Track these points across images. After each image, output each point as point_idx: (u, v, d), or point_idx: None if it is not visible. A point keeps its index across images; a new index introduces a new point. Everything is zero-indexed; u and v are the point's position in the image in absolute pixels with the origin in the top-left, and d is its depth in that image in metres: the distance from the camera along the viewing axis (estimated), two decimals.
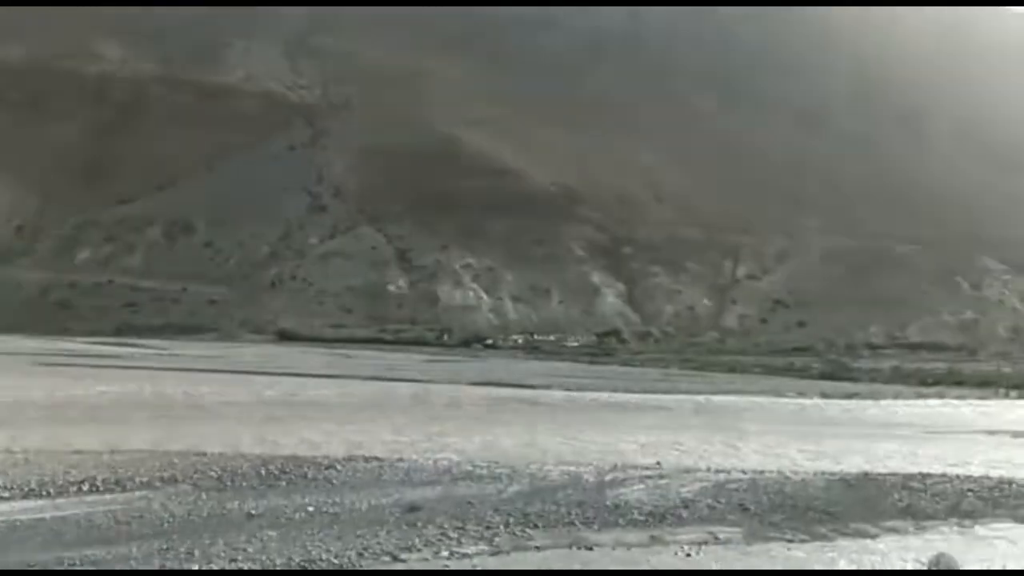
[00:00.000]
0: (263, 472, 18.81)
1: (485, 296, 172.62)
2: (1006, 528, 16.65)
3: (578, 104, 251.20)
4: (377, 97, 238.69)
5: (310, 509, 15.48)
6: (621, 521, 15.74)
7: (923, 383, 65.10)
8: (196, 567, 11.94)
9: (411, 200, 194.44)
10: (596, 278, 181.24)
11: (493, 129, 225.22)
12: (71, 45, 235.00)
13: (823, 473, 21.66)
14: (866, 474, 21.75)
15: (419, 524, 14.63)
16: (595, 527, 15.21)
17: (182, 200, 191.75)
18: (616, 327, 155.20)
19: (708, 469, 21.85)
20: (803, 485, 19.91)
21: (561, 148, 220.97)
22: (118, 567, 12.01)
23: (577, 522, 15.43)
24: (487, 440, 25.60)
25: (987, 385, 60.45)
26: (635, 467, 21.80)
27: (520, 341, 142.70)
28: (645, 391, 49.47)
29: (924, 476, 21.57)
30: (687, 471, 21.45)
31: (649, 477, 20.32)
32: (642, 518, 16.02)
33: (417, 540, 13.84)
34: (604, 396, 44.93)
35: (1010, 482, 21.18)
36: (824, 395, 50.57)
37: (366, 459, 21.00)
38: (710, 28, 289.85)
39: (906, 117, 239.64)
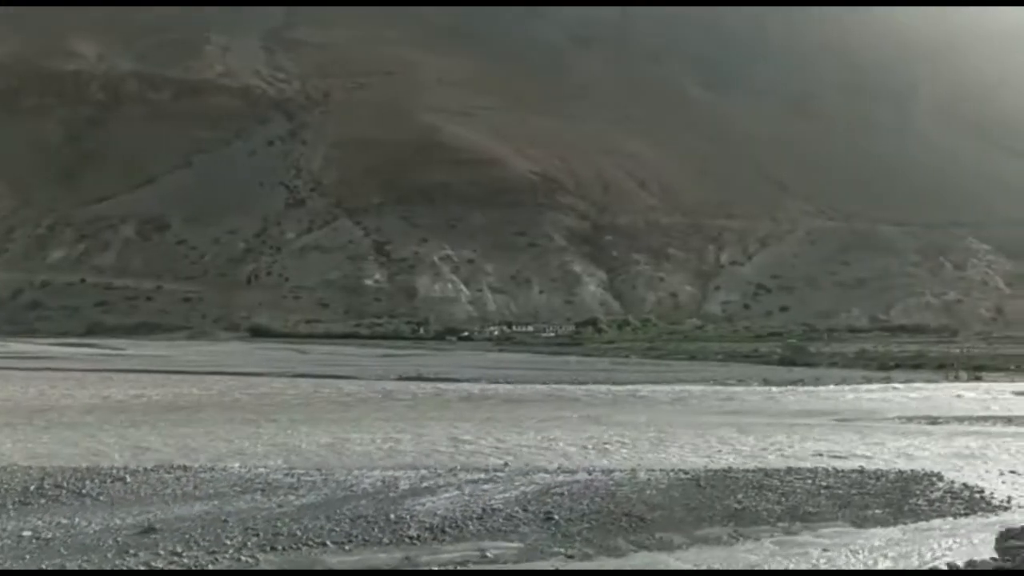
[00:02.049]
0: (32, 488, 16.96)
1: (464, 288, 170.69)
2: (835, 534, 14.75)
3: (562, 93, 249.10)
4: (357, 90, 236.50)
5: (25, 534, 13.60)
6: (386, 538, 13.86)
7: (883, 367, 63.38)
8: None
9: (390, 193, 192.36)
10: (578, 267, 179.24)
11: (474, 120, 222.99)
12: (46, 43, 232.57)
13: (679, 471, 19.80)
14: (727, 471, 19.91)
15: (131, 551, 12.76)
16: (346, 548, 13.33)
17: (157, 197, 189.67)
18: (595, 316, 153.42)
19: (556, 470, 20.03)
20: (643, 487, 18.06)
21: (544, 138, 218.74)
22: None
23: (329, 541, 13.53)
24: (331, 442, 23.81)
25: (945, 367, 58.62)
26: (476, 469, 19.99)
27: (496, 332, 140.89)
28: (581, 382, 47.60)
29: (790, 471, 19.74)
30: (530, 472, 19.62)
31: (477, 481, 18.49)
32: (414, 534, 14.14)
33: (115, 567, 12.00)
34: (526, 388, 43.11)
35: (880, 476, 19.34)
36: (766, 382, 48.75)
37: (171, 469, 19.16)
38: (696, 16, 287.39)
39: (891, 101, 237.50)
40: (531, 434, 26.20)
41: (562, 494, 17.25)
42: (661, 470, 20.05)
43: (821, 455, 22.47)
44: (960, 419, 30.88)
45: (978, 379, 51.43)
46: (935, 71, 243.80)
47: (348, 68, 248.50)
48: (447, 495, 17.14)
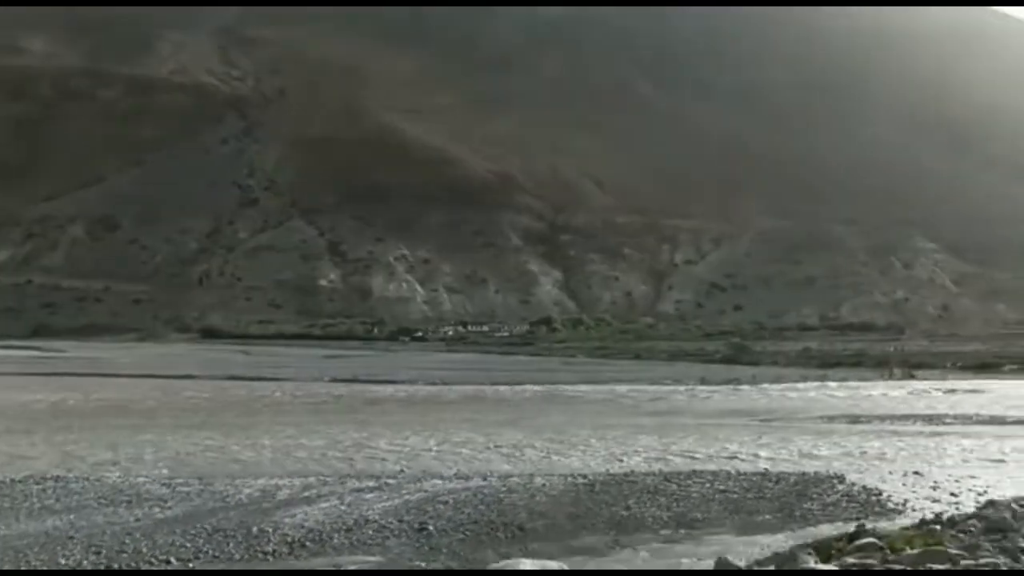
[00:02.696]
0: None
1: (420, 288, 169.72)
2: (717, 541, 14.25)
3: (517, 93, 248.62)
4: (312, 88, 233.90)
5: None
6: (238, 554, 13.11)
7: (823, 365, 63.68)
8: None
9: (345, 192, 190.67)
10: (534, 266, 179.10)
11: (431, 119, 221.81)
12: None
13: (579, 476, 19.27)
14: (627, 475, 19.41)
15: None
16: (190, 565, 12.57)
17: (108, 197, 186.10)
18: (550, 315, 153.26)
19: (452, 476, 19.40)
20: (535, 493, 17.49)
21: (500, 137, 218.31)
22: None
23: (174, 559, 12.73)
24: (228, 448, 22.93)
25: (883, 366, 58.94)
26: (369, 476, 19.30)
27: (451, 332, 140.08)
28: (517, 383, 47.01)
29: (692, 475, 19.28)
30: (424, 479, 18.97)
31: (363, 489, 17.79)
32: (271, 548, 13.41)
33: None
34: (458, 390, 42.44)
35: (781, 479, 18.95)
36: (703, 381, 48.55)
37: (41, 480, 18.23)
38: (650, 16, 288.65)
39: (841, 101, 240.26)
40: (441, 437, 25.54)
41: (447, 502, 16.62)
42: (561, 475, 19.51)
43: (731, 457, 22.07)
44: (882, 418, 30.74)
45: (912, 377, 51.74)
46: (884, 71, 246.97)
47: (303, 66, 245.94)
48: (325, 505, 16.42)
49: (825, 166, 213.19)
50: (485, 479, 18.99)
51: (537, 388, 43.39)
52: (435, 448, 23.54)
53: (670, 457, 22.07)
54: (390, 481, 18.72)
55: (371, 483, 18.52)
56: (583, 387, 43.77)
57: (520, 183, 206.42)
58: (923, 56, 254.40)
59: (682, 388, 44.78)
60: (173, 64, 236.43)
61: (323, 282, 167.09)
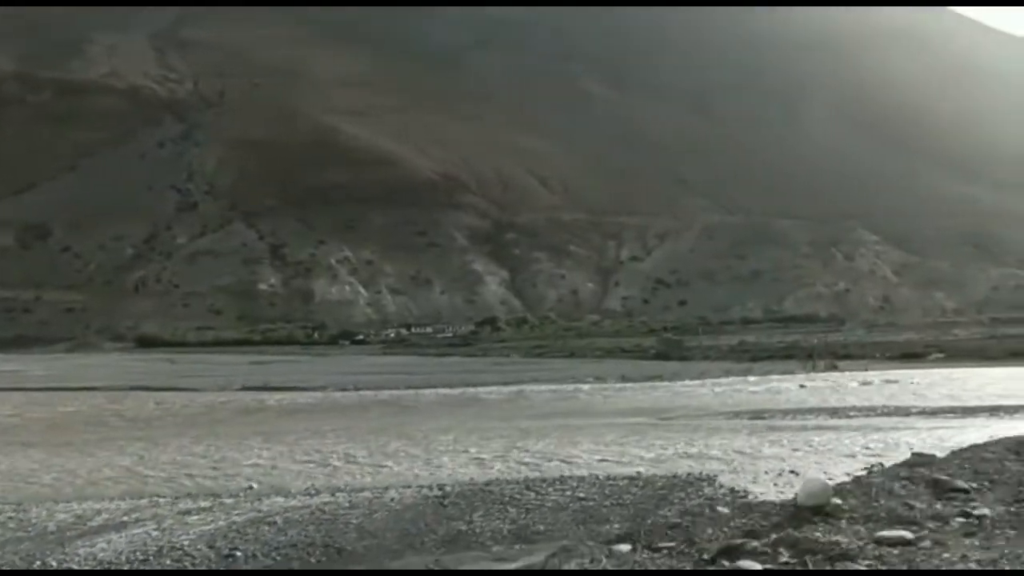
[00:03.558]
0: None
1: (363, 290, 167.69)
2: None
3: (463, 93, 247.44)
4: (253, 90, 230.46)
5: None
6: None
7: (754, 359, 63.32)
8: None
9: (287, 195, 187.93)
10: (479, 266, 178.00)
11: (373, 120, 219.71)
12: None
13: (436, 487, 17.99)
14: (488, 484, 18.18)
15: None
16: None
17: (39, 203, 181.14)
18: (495, 315, 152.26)
19: (299, 492, 18.04)
20: (378, 509, 16.17)
21: (444, 137, 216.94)
22: None
23: None
24: (71, 468, 21.28)
25: (807, 358, 58.63)
26: (208, 495, 17.84)
27: (392, 335, 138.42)
28: (431, 386, 45.67)
29: (557, 481, 18.12)
30: (267, 496, 17.58)
31: (191, 511, 16.34)
32: None
33: None
34: (366, 396, 41.01)
35: (649, 482, 17.86)
36: (624, 378, 47.64)
37: None
38: (597, 15, 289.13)
39: (785, 99, 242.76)
40: (312, 447, 24.13)
41: (274, 523, 15.23)
42: (418, 487, 18.24)
43: (607, 460, 20.99)
44: (786, 413, 29.91)
45: (835, 368, 51.38)
46: (826, 70, 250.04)
47: (244, 68, 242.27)
48: (138, 531, 14.93)
49: (769, 162, 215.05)
50: (333, 495, 17.66)
51: (449, 391, 42.08)
52: (300, 460, 22.14)
53: (544, 462, 20.91)
54: (227, 500, 17.30)
55: (206, 503, 17.08)
56: (496, 389, 42.55)
57: (465, 182, 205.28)
58: (864, 55, 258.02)
59: (600, 386, 43.79)
60: (106, 67, 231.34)
61: (264, 286, 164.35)
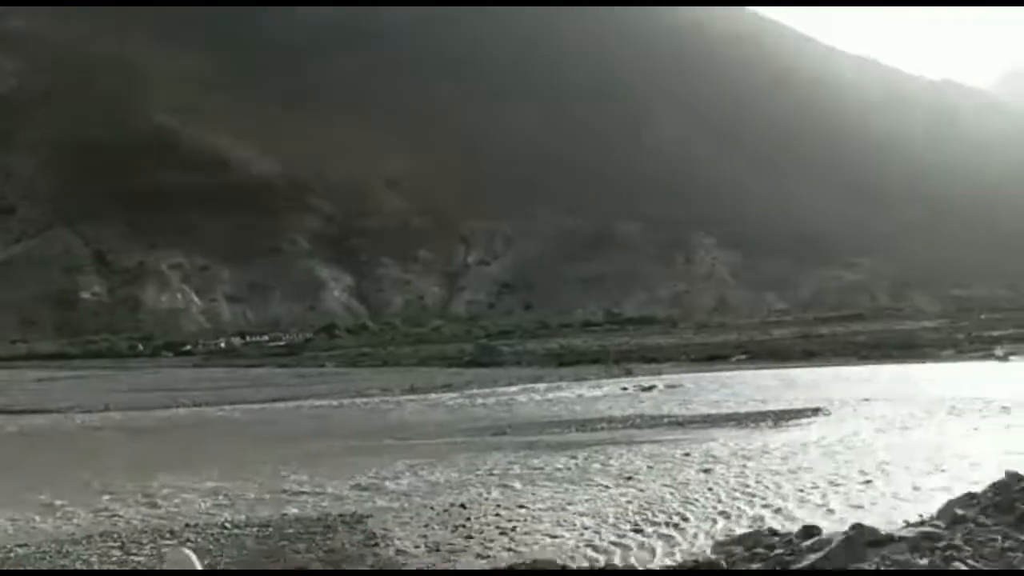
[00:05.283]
0: None
1: (196, 298, 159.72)
2: None
3: (311, 95, 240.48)
4: (83, 89, 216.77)
5: None
6: None
7: (564, 363, 62.25)
8: None
9: (116, 198, 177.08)
10: (323, 272, 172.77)
11: (215, 120, 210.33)
12: None
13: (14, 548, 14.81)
14: (84, 538, 15.13)
15: None
16: None
17: None
18: (333, 323, 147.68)
19: None
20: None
21: (290, 139, 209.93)
22: None
23: None
24: None
25: (621, 362, 57.90)
26: None
27: (223, 345, 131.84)
28: (208, 404, 41.91)
29: (155, 533, 15.24)
30: None
31: None
32: None
33: None
34: (113, 417, 37.04)
35: (284, 526, 15.31)
36: (412, 389, 45.21)
37: None
38: (448, 20, 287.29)
39: (633, 107, 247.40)
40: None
41: None
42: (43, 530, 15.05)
43: (287, 494, 18.35)
44: (533, 426, 28.01)
45: (629, 372, 50.55)
46: (676, 81, 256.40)
47: (73, 66, 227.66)
48: None
49: (616, 167, 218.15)
50: None
51: (206, 409, 38.53)
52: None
53: (177, 508, 17.76)
54: None
55: None
56: (266, 406, 39.20)
57: (310, 186, 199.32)
58: (708, 61, 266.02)
59: (380, 399, 41.14)
60: None
61: (87, 295, 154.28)
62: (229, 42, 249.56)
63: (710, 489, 17.04)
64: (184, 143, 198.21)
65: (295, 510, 16.74)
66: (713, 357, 60.02)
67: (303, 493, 18.31)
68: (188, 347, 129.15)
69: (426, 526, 15.22)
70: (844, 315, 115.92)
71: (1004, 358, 49.46)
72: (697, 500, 16.19)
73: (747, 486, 17.26)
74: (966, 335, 66.34)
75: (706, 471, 18.88)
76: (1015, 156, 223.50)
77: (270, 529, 15.17)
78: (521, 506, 16.43)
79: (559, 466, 20.49)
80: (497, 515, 15.79)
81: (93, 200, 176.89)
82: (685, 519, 14.84)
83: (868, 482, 17.34)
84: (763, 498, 16.17)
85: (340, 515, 16.19)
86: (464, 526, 15.02)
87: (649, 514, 15.37)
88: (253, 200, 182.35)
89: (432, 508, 16.48)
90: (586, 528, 14.71)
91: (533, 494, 17.40)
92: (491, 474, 19.72)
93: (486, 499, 17.10)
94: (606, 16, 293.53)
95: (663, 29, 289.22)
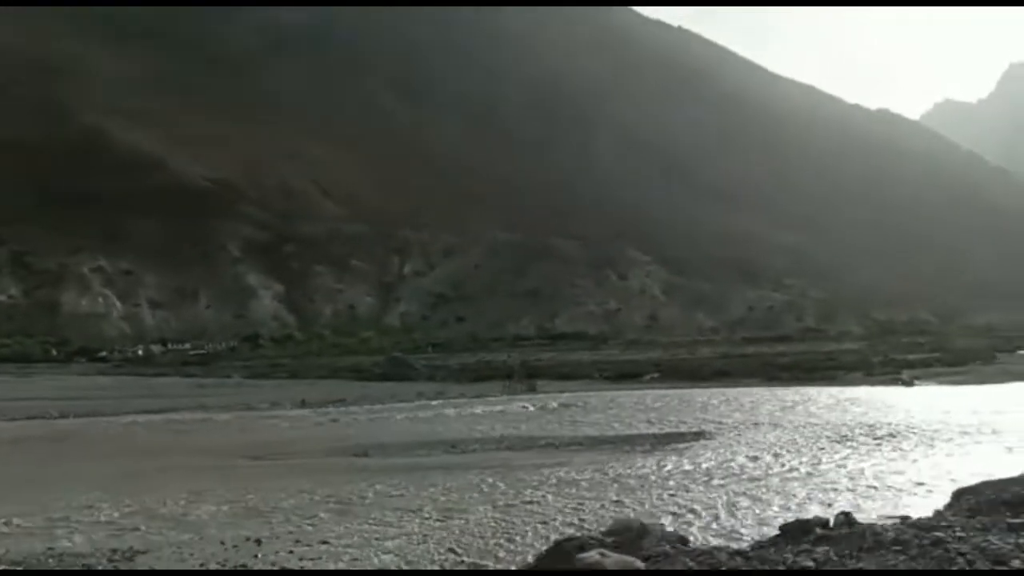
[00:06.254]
0: None
1: (118, 303, 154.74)
2: None
3: (251, 99, 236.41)
4: (10, 86, 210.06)
5: None
6: None
7: (477, 379, 60.72)
8: None
9: (38, 199, 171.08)
10: (253, 279, 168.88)
11: (148, 122, 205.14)
12: None
13: None
14: None
15: None
16: None
17: None
18: (257, 331, 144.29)
19: None
20: None
21: (226, 143, 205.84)
22: None
23: None
24: None
25: (529, 379, 56.46)
26: None
27: (141, 352, 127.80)
28: (77, 415, 39.38)
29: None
30: None
31: None
32: None
33: None
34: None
35: (129, 558, 13.48)
36: (303, 404, 43.22)
37: None
38: (391, 26, 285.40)
39: (573, 124, 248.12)
40: None
41: None
42: None
43: (63, 521, 16.34)
44: (399, 448, 26.33)
45: (533, 390, 49.21)
46: (615, 101, 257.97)
47: (4, 62, 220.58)
48: None
49: (554, 183, 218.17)
50: None
51: (74, 421, 36.11)
52: None
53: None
54: None
55: None
56: (139, 418, 36.87)
57: (244, 191, 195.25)
58: (650, 84, 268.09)
59: (267, 414, 39.06)
60: None
61: (2, 297, 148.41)
62: (179, 46, 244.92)
63: (524, 520, 15.66)
64: (116, 145, 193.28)
65: (66, 543, 14.80)
66: (625, 375, 58.98)
67: (86, 522, 16.35)
68: (104, 353, 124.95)
69: (203, 565, 13.44)
70: (772, 336, 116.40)
71: (909, 383, 49.27)
72: (513, 527, 14.80)
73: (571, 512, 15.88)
74: (881, 358, 66.53)
75: (534, 503, 17.49)
76: (949, 183, 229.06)
77: (20, 569, 13.26)
78: (324, 542, 14.74)
79: (397, 493, 18.87)
80: (290, 552, 14.09)
81: (16, 200, 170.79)
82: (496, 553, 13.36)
83: (714, 514, 16.06)
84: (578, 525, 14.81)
85: (113, 550, 14.30)
86: (244, 566, 13.29)
87: (458, 548, 13.86)
88: (184, 204, 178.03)
89: (223, 543, 14.69)
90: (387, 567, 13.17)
91: (346, 527, 15.73)
92: (320, 501, 18.02)
93: (290, 533, 15.37)
94: (551, 31, 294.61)
95: (608, 48, 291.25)
